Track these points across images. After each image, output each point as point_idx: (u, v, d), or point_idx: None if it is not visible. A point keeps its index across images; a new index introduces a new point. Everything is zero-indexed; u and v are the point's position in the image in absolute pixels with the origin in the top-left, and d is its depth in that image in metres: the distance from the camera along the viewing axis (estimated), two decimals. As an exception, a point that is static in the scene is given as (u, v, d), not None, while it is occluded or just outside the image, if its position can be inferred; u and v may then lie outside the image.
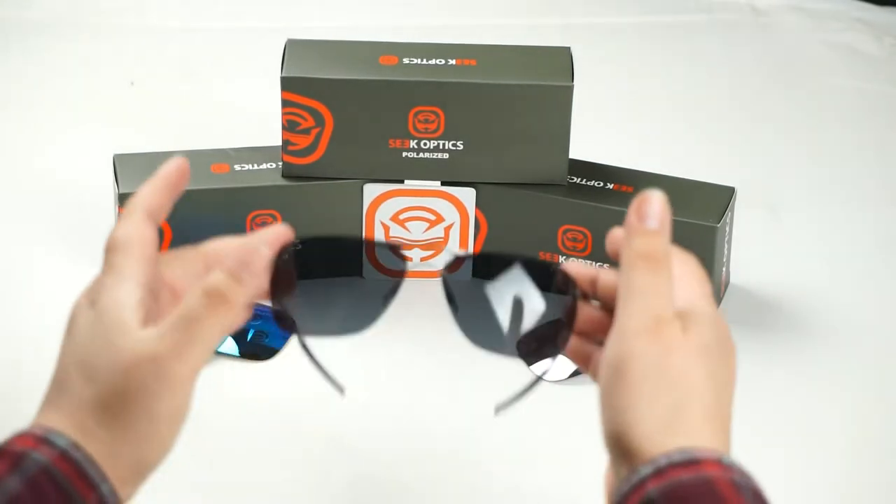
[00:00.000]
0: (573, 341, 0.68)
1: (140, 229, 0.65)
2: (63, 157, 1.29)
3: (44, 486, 0.57)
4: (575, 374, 0.99)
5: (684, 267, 0.66)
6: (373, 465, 0.94)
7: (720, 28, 1.58)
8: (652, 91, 1.46)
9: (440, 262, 1.13)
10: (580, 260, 0.72)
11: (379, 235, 1.12)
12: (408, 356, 1.06)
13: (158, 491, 0.85)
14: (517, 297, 0.69)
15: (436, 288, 1.16)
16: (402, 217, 1.11)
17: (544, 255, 1.08)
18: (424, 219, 1.11)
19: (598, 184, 1.09)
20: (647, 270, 0.63)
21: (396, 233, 1.12)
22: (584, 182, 1.10)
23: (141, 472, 0.62)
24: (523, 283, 0.69)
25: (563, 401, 0.97)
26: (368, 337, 1.07)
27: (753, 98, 1.45)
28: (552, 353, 0.68)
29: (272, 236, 0.67)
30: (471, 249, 0.71)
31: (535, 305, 0.68)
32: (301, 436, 0.97)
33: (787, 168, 1.32)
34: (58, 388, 0.62)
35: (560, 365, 0.79)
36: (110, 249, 0.64)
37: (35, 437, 0.59)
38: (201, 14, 1.57)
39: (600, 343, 0.67)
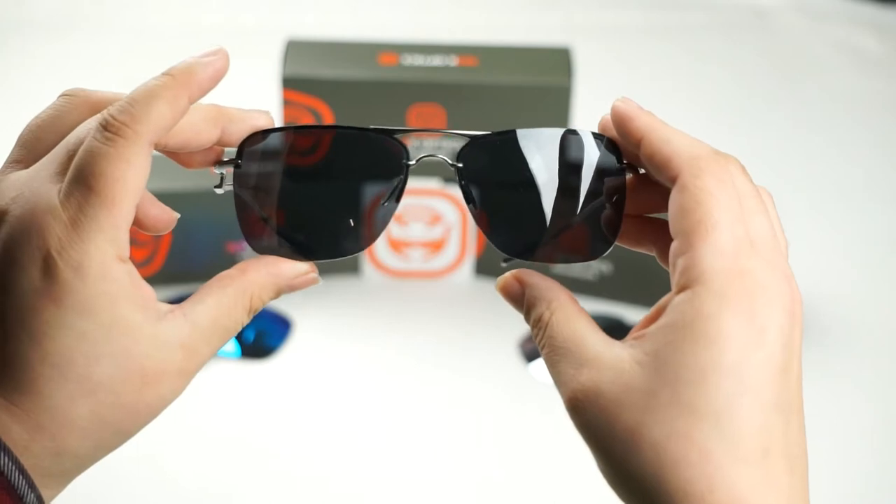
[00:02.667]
0: (625, 226, 0.54)
1: (140, 165, 0.49)
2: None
3: None
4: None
5: None
6: (372, 464, 0.94)
7: (722, 27, 1.58)
8: (652, 90, 1.46)
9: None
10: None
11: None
12: (408, 355, 1.06)
13: (157, 492, 0.85)
14: (550, 180, 0.54)
15: (436, 288, 1.17)
16: (402, 217, 1.11)
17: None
18: (425, 218, 1.11)
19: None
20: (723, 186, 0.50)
21: (397, 233, 1.12)
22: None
23: (92, 462, 0.50)
24: (553, 161, 0.54)
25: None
26: (368, 336, 1.08)
27: (754, 97, 1.45)
28: (601, 250, 0.54)
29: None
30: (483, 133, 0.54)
31: (575, 188, 0.54)
32: (300, 435, 0.97)
33: (788, 167, 1.32)
34: (4, 377, 0.48)
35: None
36: (88, 184, 0.48)
37: None
38: (200, 13, 1.57)
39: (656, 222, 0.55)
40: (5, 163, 0.52)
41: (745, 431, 0.47)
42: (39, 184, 0.49)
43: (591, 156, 0.54)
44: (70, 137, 0.50)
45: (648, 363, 0.48)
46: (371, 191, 0.55)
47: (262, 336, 1.03)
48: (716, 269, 0.48)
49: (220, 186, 0.54)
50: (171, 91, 0.50)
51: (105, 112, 0.49)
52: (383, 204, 0.55)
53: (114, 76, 1.45)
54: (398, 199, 0.55)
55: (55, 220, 0.47)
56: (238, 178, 0.53)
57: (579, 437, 0.51)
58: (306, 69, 1.06)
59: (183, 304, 0.51)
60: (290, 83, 1.06)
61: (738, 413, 0.46)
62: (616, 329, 1.08)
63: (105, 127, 0.48)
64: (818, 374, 1.03)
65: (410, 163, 0.55)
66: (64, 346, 0.47)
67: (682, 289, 0.48)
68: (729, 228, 0.48)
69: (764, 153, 1.35)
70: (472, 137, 0.54)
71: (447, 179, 1.10)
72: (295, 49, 1.08)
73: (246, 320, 0.52)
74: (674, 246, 0.49)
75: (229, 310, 0.51)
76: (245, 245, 1.11)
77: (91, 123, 0.50)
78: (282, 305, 1.07)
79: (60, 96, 0.53)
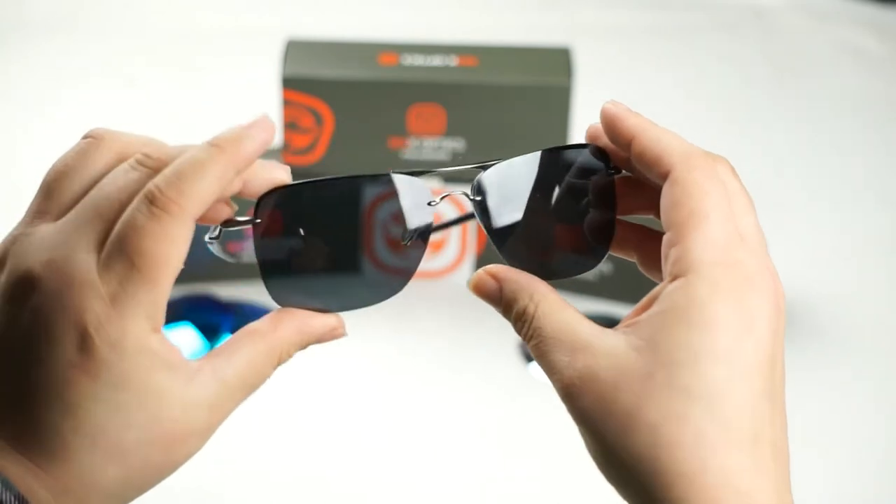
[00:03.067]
0: (619, 230, 0.55)
1: (183, 243, 0.48)
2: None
3: None
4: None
5: None
6: (372, 464, 0.94)
7: (722, 27, 1.58)
8: (652, 90, 1.46)
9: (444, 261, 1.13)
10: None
11: (379, 235, 1.12)
12: (408, 355, 1.06)
13: (154, 492, 0.85)
14: (556, 199, 0.55)
15: (436, 288, 1.17)
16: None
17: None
18: (425, 219, 1.11)
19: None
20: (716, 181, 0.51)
21: (397, 233, 1.12)
22: (584, 181, 1.10)
23: None
24: (557, 181, 0.55)
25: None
26: (368, 336, 1.07)
27: (754, 97, 1.45)
28: (598, 255, 0.55)
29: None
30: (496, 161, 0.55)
31: (576, 202, 0.55)
32: (300, 435, 0.97)
33: (788, 168, 1.32)
34: (33, 443, 0.47)
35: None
36: (131, 261, 0.47)
37: None
38: (200, 13, 1.57)
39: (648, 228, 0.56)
40: (29, 213, 0.51)
41: (738, 416, 0.48)
42: (73, 251, 0.48)
43: (583, 166, 0.55)
44: (98, 195, 0.49)
45: (644, 347, 0.49)
46: (395, 235, 0.56)
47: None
48: (707, 259, 0.49)
49: (216, 239, 0.53)
50: (219, 166, 0.49)
51: (151, 184, 0.48)
52: (406, 244, 0.56)
53: (114, 76, 1.45)
54: (426, 240, 0.56)
55: (94, 296, 0.47)
56: (258, 236, 0.52)
57: (579, 435, 0.51)
58: (306, 69, 1.06)
59: (212, 356, 0.50)
60: (290, 83, 1.06)
61: (732, 397, 0.48)
62: (616, 329, 1.08)
63: (151, 201, 0.48)
64: (818, 374, 1.03)
65: (434, 202, 0.55)
66: (97, 417, 0.47)
67: (674, 278, 0.49)
68: (719, 221, 0.50)
69: (764, 152, 1.35)
70: (484, 167, 0.55)
71: (447, 180, 1.09)
72: (295, 49, 1.08)
73: (271, 374, 0.52)
74: (666, 237, 0.50)
75: (259, 368, 0.51)
76: (244, 245, 1.11)
77: (119, 177, 0.49)
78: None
79: (84, 138, 0.52)
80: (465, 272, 1.14)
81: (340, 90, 1.06)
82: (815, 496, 0.92)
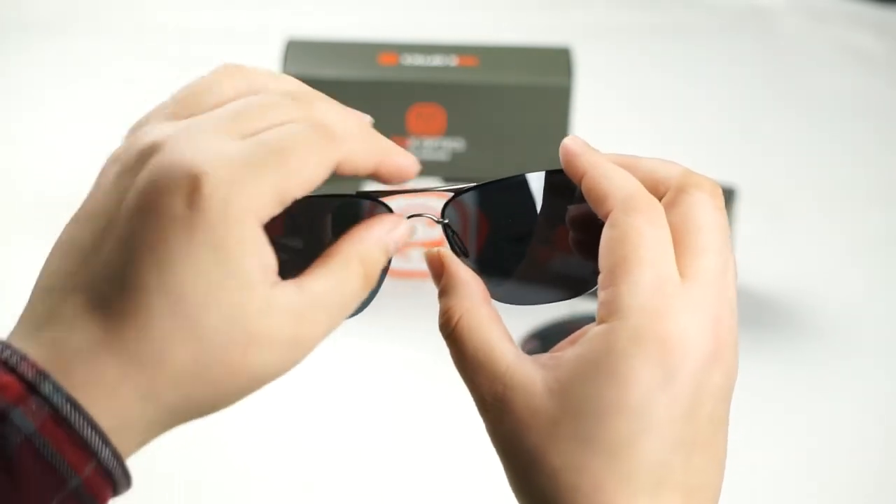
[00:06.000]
0: None
1: (325, 170, 0.48)
2: (62, 158, 1.29)
3: (21, 464, 0.43)
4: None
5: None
6: (373, 463, 0.94)
7: (722, 27, 1.58)
8: (652, 90, 1.46)
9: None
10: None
11: None
12: (409, 355, 1.06)
13: (155, 494, 0.85)
14: (536, 226, 0.56)
15: (436, 288, 1.17)
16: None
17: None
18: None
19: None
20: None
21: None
22: (584, 182, 1.10)
23: (180, 420, 0.48)
24: (536, 206, 0.55)
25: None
26: (368, 336, 1.07)
27: (754, 97, 1.45)
28: (589, 284, 0.55)
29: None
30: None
31: (558, 228, 0.55)
32: (300, 435, 0.97)
33: (788, 168, 1.32)
34: (115, 302, 0.45)
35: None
36: (277, 150, 0.46)
37: (23, 385, 0.44)
38: (200, 13, 1.57)
39: None
40: (157, 110, 0.50)
41: (641, 467, 0.49)
42: (206, 130, 0.47)
43: (570, 195, 0.54)
44: (242, 104, 0.49)
45: (557, 391, 0.50)
46: None
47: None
48: (633, 306, 0.49)
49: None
50: (369, 145, 0.50)
51: (320, 116, 0.48)
52: None
53: (113, 76, 1.45)
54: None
55: (222, 154, 0.45)
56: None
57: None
58: (306, 69, 1.06)
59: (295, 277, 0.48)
60: (289, 83, 1.06)
61: (636, 450, 0.49)
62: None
63: (316, 127, 0.47)
64: (818, 374, 1.03)
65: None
66: (181, 276, 0.45)
67: (600, 321, 0.50)
68: (652, 267, 0.49)
69: (763, 153, 1.35)
70: (456, 192, 0.56)
71: (447, 179, 1.10)
72: (295, 49, 1.08)
73: (361, 286, 0.50)
74: (600, 279, 0.51)
75: (339, 275, 0.49)
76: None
77: (264, 99, 0.49)
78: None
79: (217, 68, 0.52)
80: (465, 272, 1.14)
81: (340, 90, 1.05)
82: (816, 496, 0.92)
